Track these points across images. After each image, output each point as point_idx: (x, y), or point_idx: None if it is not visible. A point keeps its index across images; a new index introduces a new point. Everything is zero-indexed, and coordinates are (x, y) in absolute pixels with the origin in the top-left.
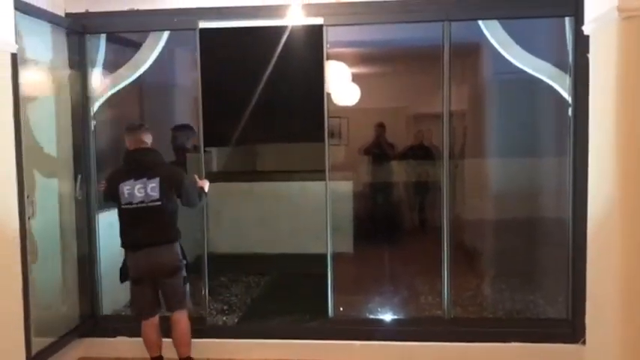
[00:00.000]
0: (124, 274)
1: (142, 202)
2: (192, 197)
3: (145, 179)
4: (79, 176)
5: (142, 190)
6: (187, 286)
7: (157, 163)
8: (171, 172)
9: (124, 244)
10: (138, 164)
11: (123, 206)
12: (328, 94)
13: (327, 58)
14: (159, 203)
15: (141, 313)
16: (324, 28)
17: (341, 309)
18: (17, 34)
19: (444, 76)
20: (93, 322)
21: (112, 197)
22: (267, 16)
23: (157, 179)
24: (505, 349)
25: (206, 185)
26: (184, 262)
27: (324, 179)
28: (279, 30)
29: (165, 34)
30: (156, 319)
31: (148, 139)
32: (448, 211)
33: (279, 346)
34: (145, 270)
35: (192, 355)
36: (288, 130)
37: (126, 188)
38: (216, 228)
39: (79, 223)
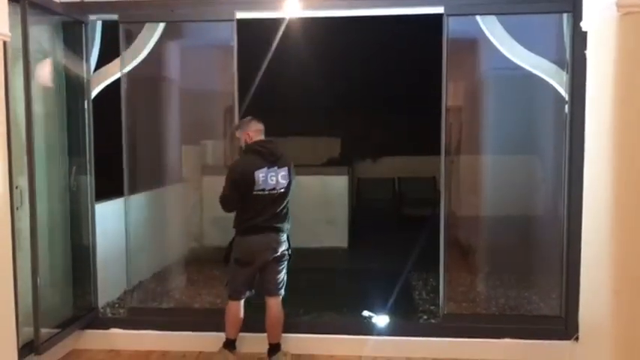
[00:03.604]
0: (228, 257)
1: (273, 189)
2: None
3: (275, 167)
4: (74, 167)
5: (273, 178)
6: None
7: (283, 153)
8: (290, 163)
9: (242, 228)
10: (270, 153)
11: (254, 192)
12: None
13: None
14: (286, 191)
15: (234, 292)
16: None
17: None
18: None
19: (442, 71)
20: (87, 314)
21: (243, 185)
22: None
23: (286, 168)
24: (498, 345)
25: None
26: (289, 251)
27: (317, 174)
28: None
29: (161, 26)
30: (242, 302)
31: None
32: (445, 207)
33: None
34: (258, 253)
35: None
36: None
37: (260, 175)
38: (207, 221)
39: (74, 213)
